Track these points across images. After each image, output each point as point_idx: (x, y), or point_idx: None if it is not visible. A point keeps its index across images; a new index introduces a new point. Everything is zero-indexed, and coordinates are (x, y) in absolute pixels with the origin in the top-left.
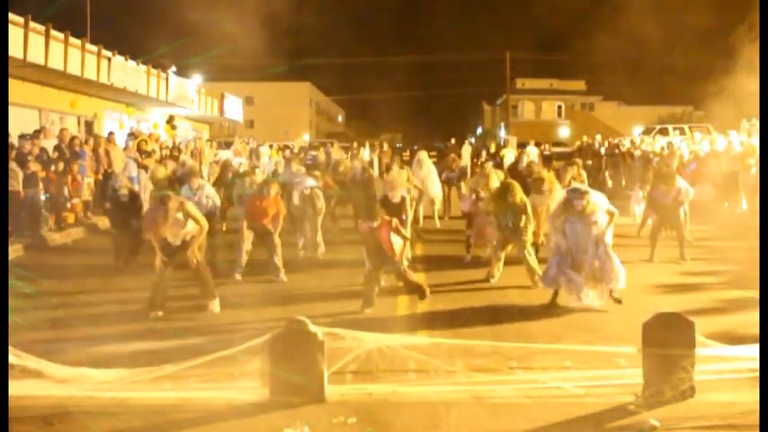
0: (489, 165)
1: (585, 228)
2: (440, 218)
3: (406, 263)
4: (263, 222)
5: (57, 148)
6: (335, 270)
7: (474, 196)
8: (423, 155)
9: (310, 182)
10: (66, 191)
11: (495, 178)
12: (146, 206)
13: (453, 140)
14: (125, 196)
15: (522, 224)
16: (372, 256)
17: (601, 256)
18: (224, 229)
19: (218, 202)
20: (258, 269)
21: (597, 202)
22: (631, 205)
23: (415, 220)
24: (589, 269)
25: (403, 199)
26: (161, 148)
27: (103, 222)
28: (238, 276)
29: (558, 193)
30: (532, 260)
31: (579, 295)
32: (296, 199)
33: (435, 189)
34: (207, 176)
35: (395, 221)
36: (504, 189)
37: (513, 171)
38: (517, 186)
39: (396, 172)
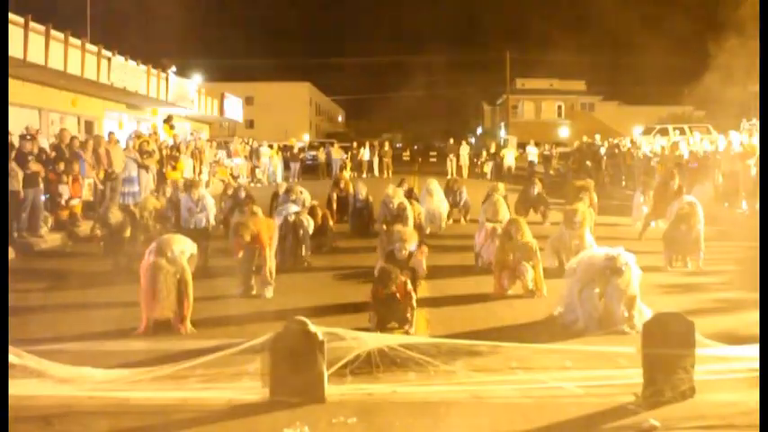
0: (496, 194)
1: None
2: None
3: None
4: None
5: (56, 147)
6: (332, 281)
7: (490, 228)
8: (433, 185)
9: (294, 207)
10: (65, 191)
11: (504, 207)
12: (142, 195)
13: (452, 140)
14: (116, 224)
15: (529, 265)
16: (380, 318)
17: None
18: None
19: (212, 217)
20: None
21: (631, 270)
22: (633, 207)
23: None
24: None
25: (411, 254)
26: (161, 149)
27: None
28: (242, 290)
29: (588, 229)
30: (528, 277)
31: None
32: (277, 224)
33: (443, 211)
34: (207, 175)
35: (410, 285)
36: (510, 227)
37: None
38: (523, 224)
39: (405, 227)
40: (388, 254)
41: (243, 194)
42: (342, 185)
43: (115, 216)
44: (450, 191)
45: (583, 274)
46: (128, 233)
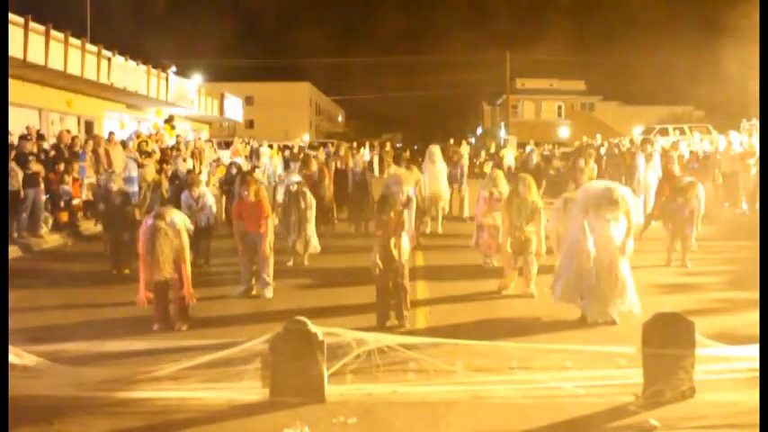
0: (497, 170)
1: (606, 237)
2: (443, 218)
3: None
4: (252, 228)
5: (56, 148)
6: (332, 281)
7: (486, 195)
8: (436, 149)
9: (296, 177)
10: (65, 191)
11: (504, 181)
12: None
13: (452, 140)
14: (118, 196)
15: (531, 227)
16: (382, 257)
17: (619, 278)
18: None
19: (214, 210)
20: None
21: (628, 201)
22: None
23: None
24: (605, 286)
25: (408, 198)
26: (161, 149)
27: (92, 227)
28: (242, 290)
29: None
30: (533, 271)
31: (598, 312)
32: (280, 195)
33: (444, 186)
34: (207, 176)
35: (408, 220)
36: (519, 183)
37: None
38: (532, 182)
39: (399, 170)
40: (381, 197)
41: (234, 171)
42: (341, 153)
43: (117, 185)
44: (449, 161)
45: (578, 203)
46: (129, 208)
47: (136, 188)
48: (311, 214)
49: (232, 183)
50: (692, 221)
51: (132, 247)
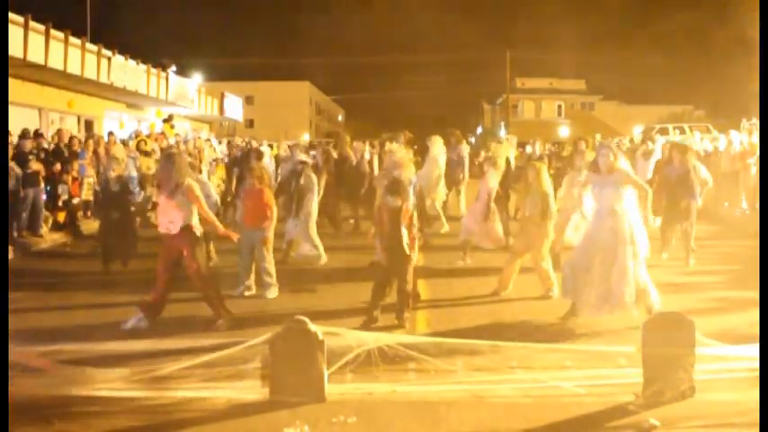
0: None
1: (611, 230)
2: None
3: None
4: (254, 224)
5: (55, 146)
6: (332, 281)
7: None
8: (436, 139)
9: (302, 156)
10: (65, 191)
11: (508, 151)
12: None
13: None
14: (116, 184)
15: (540, 218)
16: (385, 246)
17: (617, 272)
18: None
19: (218, 205)
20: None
21: (627, 170)
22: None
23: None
24: (610, 281)
25: (411, 184)
26: (161, 149)
27: (92, 226)
28: (242, 289)
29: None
30: (548, 267)
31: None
32: (283, 172)
33: (440, 171)
34: (207, 175)
35: (414, 213)
36: (528, 169)
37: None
38: (544, 170)
39: (400, 150)
40: (390, 181)
41: (239, 154)
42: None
43: (117, 172)
44: (447, 144)
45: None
46: (129, 197)
47: (137, 188)
48: (312, 199)
49: (238, 164)
50: (692, 193)
51: (126, 240)
